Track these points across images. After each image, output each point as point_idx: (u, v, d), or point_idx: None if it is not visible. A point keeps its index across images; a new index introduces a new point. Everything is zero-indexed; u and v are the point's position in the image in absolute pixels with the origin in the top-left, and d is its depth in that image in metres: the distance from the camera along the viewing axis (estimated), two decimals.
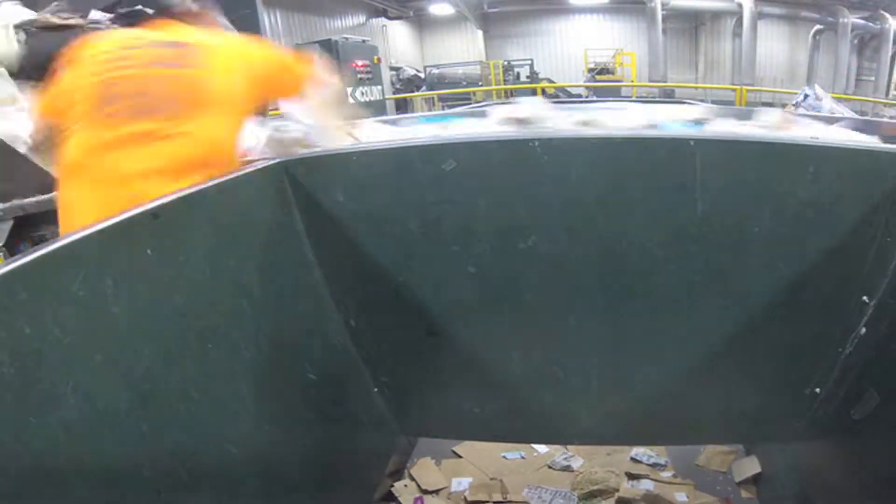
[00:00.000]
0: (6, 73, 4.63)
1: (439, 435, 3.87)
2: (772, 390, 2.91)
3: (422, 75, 27.81)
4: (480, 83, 26.20)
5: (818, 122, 3.88)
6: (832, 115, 5.23)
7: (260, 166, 2.54)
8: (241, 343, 2.27)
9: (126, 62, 2.73)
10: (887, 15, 24.52)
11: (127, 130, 2.62)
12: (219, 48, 2.89)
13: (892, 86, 24.58)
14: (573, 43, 31.77)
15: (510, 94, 23.48)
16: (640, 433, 3.39)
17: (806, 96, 10.70)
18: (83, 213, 2.60)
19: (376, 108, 12.99)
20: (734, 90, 20.97)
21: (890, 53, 24.61)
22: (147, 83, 2.70)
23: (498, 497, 3.54)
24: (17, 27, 4.79)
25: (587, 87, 25.84)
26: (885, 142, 2.84)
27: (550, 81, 27.08)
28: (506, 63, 28.40)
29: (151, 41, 2.83)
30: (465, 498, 3.58)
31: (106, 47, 2.81)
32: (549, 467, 3.85)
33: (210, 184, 2.20)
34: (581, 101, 14.35)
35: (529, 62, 29.06)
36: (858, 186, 2.33)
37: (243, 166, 2.63)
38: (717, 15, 29.76)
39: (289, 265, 2.68)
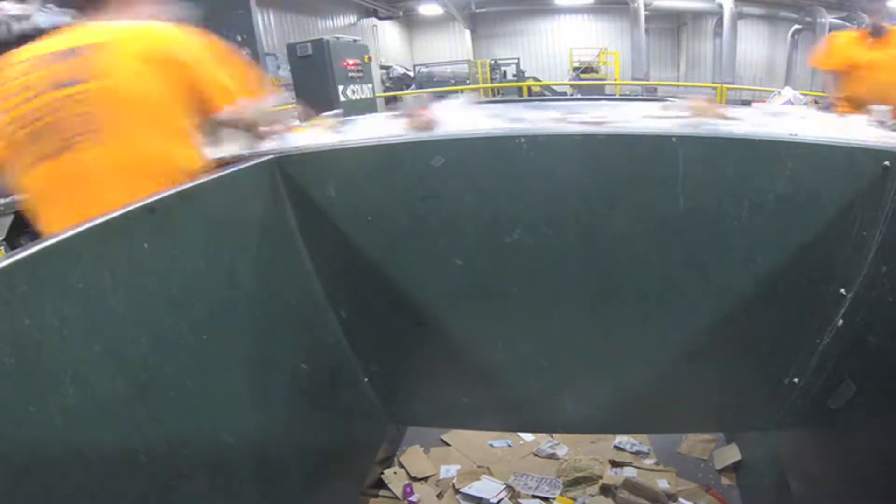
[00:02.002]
0: None
1: (428, 424, 3.89)
2: (751, 380, 2.93)
3: (411, 74, 27.76)
4: (468, 81, 26.18)
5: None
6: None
7: (253, 162, 2.54)
8: (235, 334, 2.27)
9: (27, 93, 2.42)
10: (865, 15, 24.50)
11: (63, 165, 2.42)
12: (125, 47, 2.47)
13: None
14: (558, 42, 31.77)
15: (497, 93, 23.51)
16: (624, 422, 3.40)
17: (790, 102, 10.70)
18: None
19: (366, 106, 12.98)
20: (715, 88, 20.97)
21: None
22: (54, 114, 2.40)
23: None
24: None
25: (572, 86, 25.83)
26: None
27: (536, 80, 27.04)
28: (493, 62, 28.36)
29: (47, 56, 2.46)
30: (453, 485, 3.59)
31: (8, 75, 2.47)
32: (535, 455, 3.86)
33: (205, 179, 2.20)
34: (561, 99, 14.32)
35: (516, 61, 29.04)
36: (835, 181, 2.34)
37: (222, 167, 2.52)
38: (698, 15, 29.78)
39: (281, 258, 2.68)
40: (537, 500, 3.46)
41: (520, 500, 3.45)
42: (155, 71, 2.47)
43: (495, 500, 3.44)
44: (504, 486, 3.60)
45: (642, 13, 26.38)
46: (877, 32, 6.09)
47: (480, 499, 3.46)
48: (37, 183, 2.48)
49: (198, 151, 2.65)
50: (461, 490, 3.57)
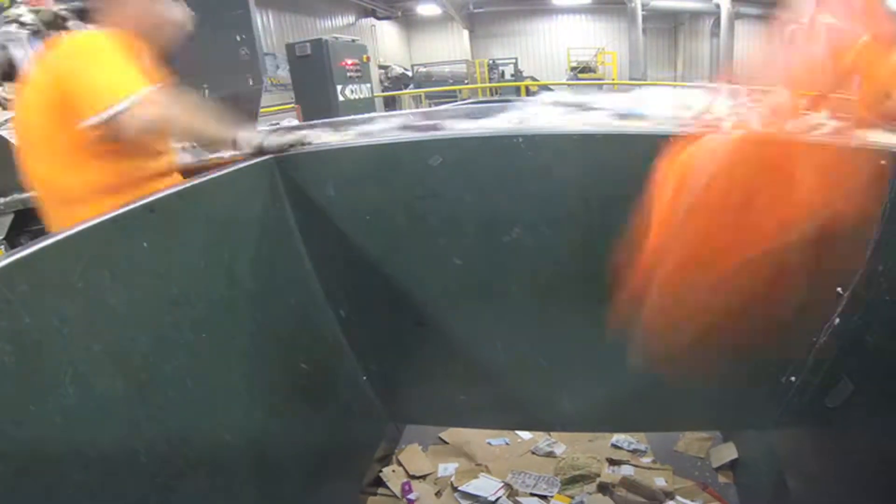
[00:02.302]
0: None
1: (426, 422, 3.88)
2: (748, 379, 2.92)
3: (409, 74, 27.77)
4: (466, 81, 26.19)
5: None
6: None
7: (253, 162, 2.54)
8: (235, 333, 2.27)
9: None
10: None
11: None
12: (35, 78, 2.47)
13: None
14: (556, 42, 31.77)
15: (495, 92, 23.51)
16: (621, 420, 3.40)
17: None
18: None
19: (365, 106, 12.98)
20: None
21: None
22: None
23: None
24: None
25: (569, 85, 25.83)
26: None
27: (534, 79, 27.01)
28: (491, 62, 28.34)
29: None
30: (452, 483, 3.59)
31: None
32: (533, 453, 3.86)
33: (204, 179, 2.21)
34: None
35: (514, 61, 29.00)
36: (832, 181, 2.33)
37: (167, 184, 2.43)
38: (695, 15, 29.78)
39: (280, 258, 2.68)
40: (535, 499, 3.47)
41: (518, 498, 3.46)
42: (41, 94, 2.44)
43: (493, 499, 3.44)
44: (502, 483, 3.60)
45: (640, 13, 26.40)
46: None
47: (478, 497, 3.46)
48: None
49: (88, 176, 2.48)
50: (459, 488, 3.57)
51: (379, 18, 29.46)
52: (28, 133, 2.49)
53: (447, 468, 3.71)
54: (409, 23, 33.00)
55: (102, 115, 2.30)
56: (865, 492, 2.27)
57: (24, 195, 4.39)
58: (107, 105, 2.29)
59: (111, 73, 2.37)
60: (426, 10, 31.16)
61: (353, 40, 14.46)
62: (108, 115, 2.29)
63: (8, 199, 4.34)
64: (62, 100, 2.36)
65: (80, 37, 2.58)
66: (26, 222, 4.49)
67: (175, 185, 2.09)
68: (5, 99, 4.37)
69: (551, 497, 3.49)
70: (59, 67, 2.41)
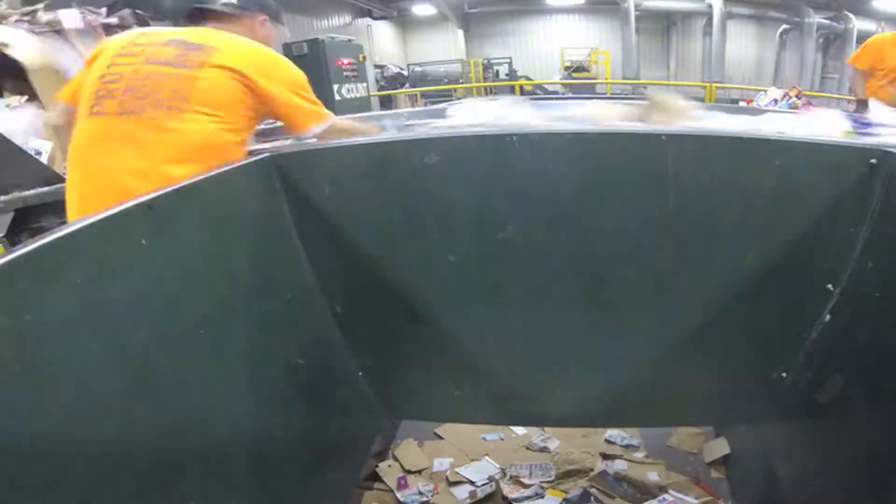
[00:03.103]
0: None
1: (422, 417, 3.89)
2: (740, 374, 2.93)
3: (405, 73, 27.78)
4: (461, 80, 26.20)
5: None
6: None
7: (250, 160, 2.55)
8: (232, 329, 2.27)
9: (124, 59, 2.72)
10: (851, 15, 24.66)
11: (114, 127, 2.64)
12: (230, 54, 2.76)
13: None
14: (550, 42, 31.79)
15: (490, 91, 23.53)
16: (615, 416, 3.41)
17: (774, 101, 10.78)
18: (73, 204, 2.67)
19: (361, 105, 12.97)
20: (704, 87, 21.00)
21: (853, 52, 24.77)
22: (137, 81, 2.67)
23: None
24: None
25: (563, 85, 25.85)
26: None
27: (528, 79, 27.05)
28: (485, 61, 28.37)
29: (161, 40, 2.77)
30: (447, 477, 3.60)
31: (116, 45, 2.80)
32: (527, 448, 3.87)
33: (202, 177, 2.20)
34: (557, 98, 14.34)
35: (508, 60, 29.05)
36: (823, 179, 2.35)
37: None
38: (687, 15, 29.83)
39: (278, 255, 2.68)
40: (529, 490, 3.48)
41: (505, 494, 3.47)
42: (239, 83, 2.76)
43: (482, 483, 3.49)
44: (499, 468, 3.63)
45: (632, 13, 26.43)
46: None
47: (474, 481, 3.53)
48: (89, 133, 2.71)
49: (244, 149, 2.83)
50: (457, 470, 3.64)
51: (375, 18, 29.47)
52: (212, 102, 2.72)
53: (442, 463, 3.74)
54: (404, 23, 33.02)
55: (316, 130, 2.96)
56: (855, 485, 2.27)
57: (25, 193, 4.39)
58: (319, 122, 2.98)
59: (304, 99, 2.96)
60: (421, 10, 31.18)
61: (350, 40, 14.45)
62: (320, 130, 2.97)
63: (8, 196, 4.34)
64: (271, 107, 2.88)
65: (272, 58, 2.96)
66: (26, 220, 4.49)
67: (173, 183, 2.09)
68: None
69: (547, 482, 3.52)
70: (262, 71, 2.80)
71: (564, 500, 3.36)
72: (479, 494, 3.46)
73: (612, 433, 3.91)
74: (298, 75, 2.98)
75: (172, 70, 2.67)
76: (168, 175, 2.50)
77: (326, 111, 3.03)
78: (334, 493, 3.20)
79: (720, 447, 3.61)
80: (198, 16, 3.07)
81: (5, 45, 5.29)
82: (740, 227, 2.49)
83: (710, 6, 26.19)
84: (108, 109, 2.64)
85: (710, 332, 2.76)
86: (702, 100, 18.49)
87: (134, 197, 1.84)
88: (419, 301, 2.91)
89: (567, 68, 28.34)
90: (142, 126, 2.61)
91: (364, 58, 13.96)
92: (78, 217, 1.77)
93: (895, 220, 2.13)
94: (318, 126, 2.96)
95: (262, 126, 3.21)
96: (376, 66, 26.53)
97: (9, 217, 4.44)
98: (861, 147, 2.31)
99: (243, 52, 2.82)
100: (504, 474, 3.61)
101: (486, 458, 3.77)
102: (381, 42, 30.65)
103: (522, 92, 22.26)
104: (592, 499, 3.36)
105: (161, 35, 2.82)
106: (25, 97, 5.40)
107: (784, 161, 2.35)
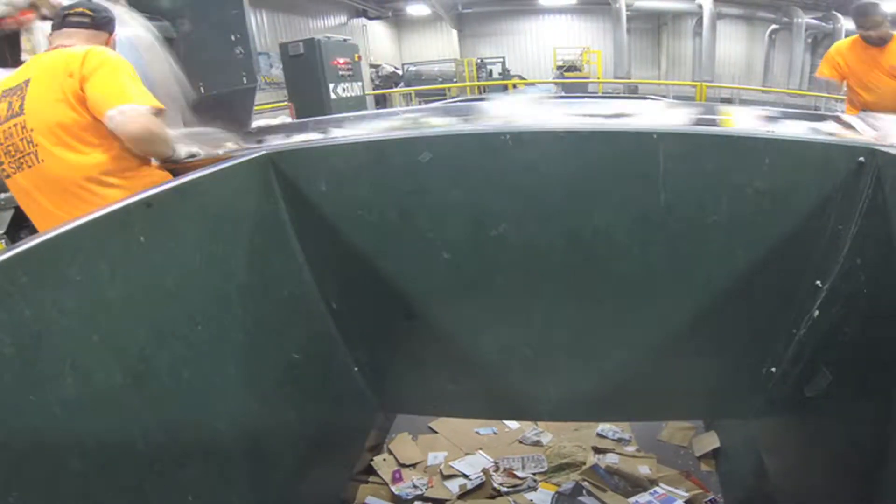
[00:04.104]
0: None
1: (416, 412, 3.91)
2: (730, 369, 2.94)
3: (400, 72, 27.74)
4: (455, 80, 26.18)
5: None
6: None
7: (247, 158, 2.55)
8: (229, 325, 2.28)
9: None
10: (839, 15, 24.65)
11: (19, 180, 2.80)
12: (44, 77, 2.75)
13: (844, 83, 24.84)
14: (543, 42, 31.76)
15: (483, 90, 23.52)
16: (606, 410, 3.41)
17: None
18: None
19: (357, 104, 12.96)
20: (694, 86, 21.01)
21: None
22: (10, 139, 2.73)
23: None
24: None
25: (556, 84, 25.83)
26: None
27: (521, 78, 27.01)
28: (479, 61, 28.31)
29: (5, 91, 2.79)
30: (441, 471, 3.60)
31: None
32: (520, 442, 3.89)
33: (200, 174, 2.21)
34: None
35: (501, 60, 28.98)
36: (812, 177, 2.35)
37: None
38: (678, 15, 29.80)
39: (274, 251, 2.68)
40: (515, 482, 3.50)
41: (496, 486, 3.48)
42: (60, 93, 2.71)
43: (475, 476, 3.50)
44: (492, 462, 3.63)
45: (624, 13, 26.40)
46: (870, 41, 6.13)
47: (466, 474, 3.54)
48: (14, 189, 2.86)
49: (110, 158, 2.79)
50: (451, 464, 3.65)
51: (370, 18, 29.42)
52: (51, 134, 2.71)
53: (437, 456, 3.75)
54: (399, 23, 32.98)
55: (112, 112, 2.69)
56: (842, 477, 2.29)
57: None
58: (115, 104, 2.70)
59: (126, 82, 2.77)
60: (416, 10, 31.15)
61: (345, 40, 14.45)
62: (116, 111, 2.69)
63: (9, 194, 4.34)
64: (80, 98, 2.71)
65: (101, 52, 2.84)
66: (27, 217, 4.49)
67: (172, 180, 2.09)
68: None
69: (539, 473, 3.53)
70: (77, 76, 2.71)
71: (557, 492, 3.37)
72: (470, 486, 3.47)
73: (604, 427, 3.93)
74: (118, 62, 2.88)
75: (11, 123, 2.73)
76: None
77: (142, 99, 2.86)
78: (330, 486, 3.20)
79: (710, 441, 3.62)
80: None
81: None
82: (730, 224, 2.50)
83: (700, 6, 26.17)
84: (8, 171, 2.80)
85: (700, 327, 2.76)
86: (692, 98, 18.53)
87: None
88: (414, 297, 2.92)
89: (559, 67, 28.31)
90: (33, 176, 2.75)
91: (359, 57, 13.95)
92: None
93: (882, 218, 2.13)
94: (117, 107, 2.75)
95: (257, 125, 3.17)
96: (371, 66, 26.51)
97: (9, 214, 4.44)
98: (849, 145, 2.32)
99: (56, 61, 2.81)
100: (497, 467, 3.62)
101: (480, 451, 3.78)
102: (376, 42, 30.63)
103: (515, 91, 22.27)
104: (584, 492, 3.37)
105: (6, 82, 2.84)
106: None
107: (773, 159, 2.36)
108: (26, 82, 2.72)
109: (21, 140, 2.70)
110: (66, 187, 2.73)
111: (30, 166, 2.72)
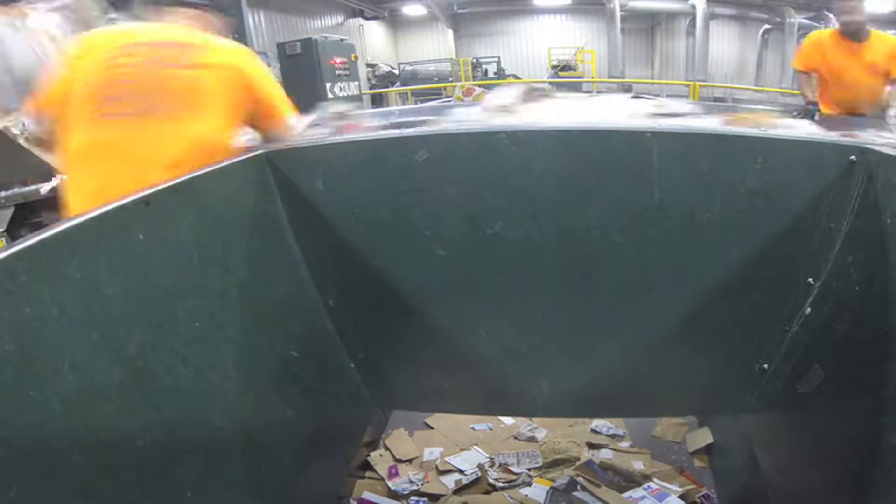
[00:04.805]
0: None
1: (412, 408, 3.91)
2: (723, 366, 2.94)
3: (396, 72, 27.79)
4: (451, 79, 26.18)
5: None
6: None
7: (244, 157, 2.55)
8: (227, 322, 2.27)
9: (125, 61, 2.68)
10: (831, 15, 24.65)
11: (125, 128, 2.62)
12: (221, 54, 2.80)
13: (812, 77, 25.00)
14: (537, 41, 31.80)
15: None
16: (600, 406, 3.42)
17: None
18: (88, 202, 2.59)
19: (353, 103, 12.98)
20: (688, 85, 21.04)
21: None
22: (144, 83, 2.66)
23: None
24: None
25: (550, 83, 25.86)
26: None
27: (516, 77, 27.02)
28: (474, 60, 28.36)
29: (152, 41, 2.75)
30: (437, 466, 3.61)
31: (107, 45, 2.75)
32: (515, 438, 3.89)
33: (197, 173, 2.21)
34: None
35: (496, 59, 29.06)
36: (804, 176, 2.36)
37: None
38: (671, 15, 29.86)
39: (271, 249, 2.68)
40: (510, 478, 3.50)
41: (491, 481, 3.48)
42: (235, 80, 2.82)
43: (471, 471, 3.54)
44: (487, 457, 3.64)
45: (618, 13, 26.45)
46: (850, 35, 6.07)
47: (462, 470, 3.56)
48: (100, 135, 2.65)
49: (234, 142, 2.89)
50: (447, 459, 3.66)
51: (367, 18, 29.44)
52: (216, 103, 2.77)
53: (432, 452, 3.75)
54: (395, 23, 33.02)
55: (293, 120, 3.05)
56: (834, 473, 2.29)
57: (25, 189, 4.39)
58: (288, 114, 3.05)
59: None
60: (412, 10, 31.19)
61: (342, 40, 14.48)
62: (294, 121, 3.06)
63: (9, 192, 4.34)
64: (253, 101, 2.91)
65: (248, 54, 3.01)
66: (27, 215, 4.49)
67: (171, 179, 2.09)
68: None
69: (534, 468, 3.54)
70: (249, 72, 2.89)
71: (551, 488, 3.37)
72: (465, 482, 3.48)
73: (598, 423, 3.93)
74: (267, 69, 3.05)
75: (175, 71, 2.68)
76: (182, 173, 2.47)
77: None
78: (327, 482, 3.21)
79: (703, 437, 3.63)
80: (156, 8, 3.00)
81: None
82: (723, 222, 2.50)
83: (693, 7, 26.22)
84: (119, 111, 2.63)
85: (694, 324, 2.77)
86: (685, 97, 18.54)
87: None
88: (410, 294, 2.92)
89: (554, 67, 28.35)
90: (155, 127, 2.64)
91: (356, 57, 13.99)
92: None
93: (874, 216, 2.13)
94: (293, 117, 3.06)
95: None
96: (368, 65, 26.57)
97: (9, 212, 4.44)
98: (841, 144, 2.32)
99: (231, 49, 2.88)
100: (493, 462, 3.62)
101: (476, 447, 3.78)
102: (373, 42, 30.65)
103: None
104: (579, 487, 3.37)
105: (147, 33, 2.81)
106: None
107: (766, 158, 2.36)
108: (202, 47, 2.80)
109: (177, 92, 2.71)
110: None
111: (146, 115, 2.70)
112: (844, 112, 6.03)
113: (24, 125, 4.08)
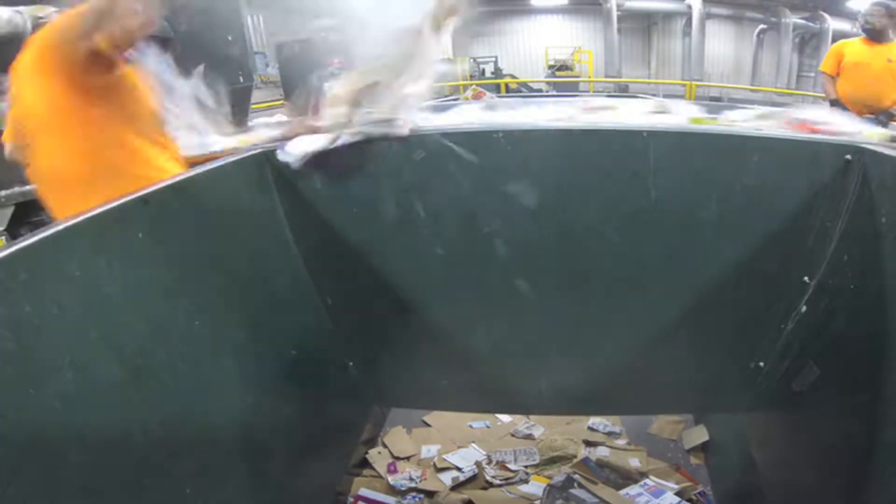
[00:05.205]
0: None
1: (410, 405, 3.92)
2: (719, 364, 2.95)
3: None
4: (448, 78, 26.16)
5: None
6: None
7: (244, 155, 2.55)
8: (226, 320, 2.28)
9: None
10: (826, 15, 24.77)
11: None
12: (21, 67, 2.45)
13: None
14: (535, 41, 31.78)
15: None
16: (597, 404, 3.42)
17: None
18: None
19: None
20: (684, 85, 21.08)
21: None
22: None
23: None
24: None
25: (547, 83, 25.84)
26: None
27: (514, 77, 27.03)
28: (472, 60, 28.35)
29: None
30: (434, 463, 3.61)
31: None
32: (513, 435, 3.90)
33: (197, 171, 2.21)
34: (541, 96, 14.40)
35: (494, 59, 29.04)
36: (800, 175, 2.36)
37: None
38: (668, 15, 29.87)
39: (270, 247, 2.68)
40: (507, 475, 3.51)
41: (488, 479, 3.49)
42: (39, 78, 2.41)
43: (468, 468, 3.54)
44: (485, 455, 3.65)
45: (614, 14, 26.49)
46: (870, 35, 6.20)
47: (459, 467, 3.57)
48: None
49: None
50: (444, 457, 3.67)
51: None
52: (40, 128, 2.45)
53: (430, 450, 3.76)
54: None
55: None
56: (829, 470, 2.29)
57: (25, 188, 4.39)
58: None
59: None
60: None
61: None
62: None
63: (9, 191, 4.34)
64: (63, 63, 2.35)
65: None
66: (27, 214, 4.49)
67: (169, 177, 2.09)
68: None
69: (531, 465, 3.55)
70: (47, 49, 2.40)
71: (548, 485, 3.37)
72: (462, 479, 3.47)
73: (595, 421, 3.93)
74: None
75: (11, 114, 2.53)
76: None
77: None
78: (325, 479, 3.21)
79: (699, 434, 3.64)
80: None
81: None
82: (719, 221, 2.51)
83: (689, 7, 26.25)
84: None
85: (690, 322, 2.77)
86: (682, 97, 18.54)
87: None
88: (408, 293, 2.92)
89: (551, 67, 28.34)
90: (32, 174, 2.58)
91: None
92: None
93: (869, 215, 2.14)
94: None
95: (253, 122, 3.15)
96: None
97: (9, 211, 4.45)
98: (836, 143, 2.32)
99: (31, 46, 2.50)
100: (490, 460, 3.63)
101: (473, 444, 3.79)
102: None
103: (508, 89, 22.28)
104: (576, 484, 3.37)
105: None
106: None
107: (762, 157, 2.37)
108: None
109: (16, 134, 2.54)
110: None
111: None
112: (867, 111, 6.12)
113: None
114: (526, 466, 3.58)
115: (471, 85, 23.82)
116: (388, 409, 4.07)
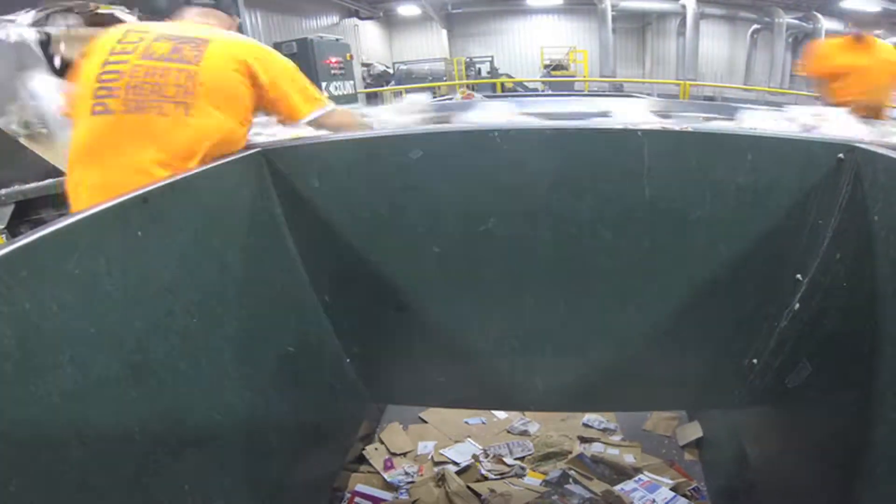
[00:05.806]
0: None
1: (406, 402, 3.93)
2: (713, 361, 2.95)
3: (391, 71, 27.75)
4: (445, 78, 26.16)
5: None
6: None
7: (241, 154, 2.55)
8: (225, 317, 2.27)
9: (118, 57, 2.63)
10: (819, 15, 24.79)
11: (122, 125, 2.57)
12: (225, 48, 2.70)
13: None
14: (530, 41, 31.78)
15: (473, 88, 23.54)
16: (592, 400, 3.42)
17: None
18: (90, 198, 2.55)
19: (348, 102, 12.98)
20: (678, 85, 21.07)
21: None
22: (137, 78, 2.58)
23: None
24: None
25: (543, 82, 25.85)
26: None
27: (509, 76, 27.01)
28: (468, 60, 28.31)
29: (152, 35, 2.68)
30: (431, 459, 3.62)
31: (110, 40, 2.70)
32: (508, 432, 3.91)
33: (195, 171, 2.21)
34: (537, 95, 14.42)
35: (490, 59, 29.03)
36: (793, 173, 2.36)
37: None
38: (662, 15, 29.86)
39: (268, 246, 2.68)
40: (503, 469, 3.52)
41: (483, 472, 3.49)
42: (240, 74, 2.71)
43: (465, 463, 3.56)
44: (481, 450, 3.66)
45: (609, 13, 26.47)
46: (858, 35, 6.18)
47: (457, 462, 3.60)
48: (93, 132, 2.62)
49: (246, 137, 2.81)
50: (441, 451, 3.71)
51: (362, 18, 29.39)
52: (216, 95, 2.66)
53: (426, 446, 3.79)
54: (390, 23, 32.98)
55: (315, 115, 2.91)
56: (821, 466, 2.30)
57: (26, 186, 4.38)
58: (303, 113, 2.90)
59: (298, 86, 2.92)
60: (406, 10, 31.15)
61: (337, 39, 14.49)
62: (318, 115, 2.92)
63: (9, 189, 4.33)
64: (263, 99, 2.81)
65: (262, 49, 2.89)
66: (27, 212, 4.48)
67: (169, 176, 2.09)
68: None
69: (527, 455, 3.56)
70: (256, 71, 2.75)
71: (544, 481, 3.38)
72: (457, 472, 3.47)
73: (590, 417, 3.95)
74: (290, 63, 2.92)
75: (172, 65, 2.61)
76: (186, 169, 2.44)
77: (324, 97, 3.01)
78: (322, 475, 3.22)
79: (693, 431, 3.64)
80: (174, 9, 2.97)
81: None
82: (713, 219, 2.51)
83: (683, 7, 26.24)
84: (112, 108, 2.57)
85: (684, 320, 2.77)
86: (676, 96, 18.55)
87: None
88: (405, 291, 2.92)
89: (546, 66, 28.36)
90: (152, 122, 2.57)
91: (351, 56, 14.01)
92: None
93: (861, 213, 2.14)
94: (317, 111, 2.92)
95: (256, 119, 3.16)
96: (363, 65, 26.53)
97: (9, 209, 4.44)
98: (829, 142, 2.33)
99: (236, 42, 2.79)
100: (486, 454, 3.63)
101: (469, 440, 3.79)
102: (368, 41, 30.61)
103: (504, 89, 22.30)
104: (571, 480, 3.38)
105: (148, 30, 2.74)
106: None
107: (755, 156, 2.37)
108: (205, 41, 2.70)
109: (176, 86, 2.62)
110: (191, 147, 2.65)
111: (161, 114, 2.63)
112: (868, 112, 6.11)
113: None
114: (521, 458, 3.58)
115: (469, 85, 23.96)
116: (385, 405, 4.09)
